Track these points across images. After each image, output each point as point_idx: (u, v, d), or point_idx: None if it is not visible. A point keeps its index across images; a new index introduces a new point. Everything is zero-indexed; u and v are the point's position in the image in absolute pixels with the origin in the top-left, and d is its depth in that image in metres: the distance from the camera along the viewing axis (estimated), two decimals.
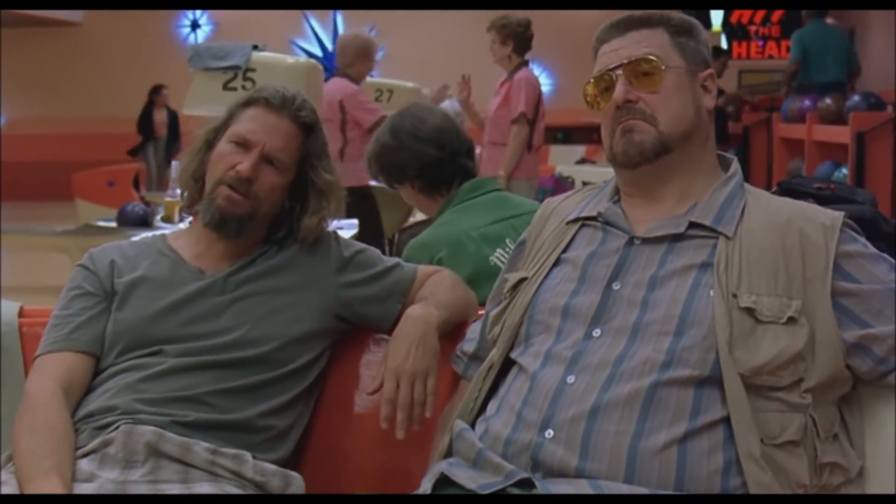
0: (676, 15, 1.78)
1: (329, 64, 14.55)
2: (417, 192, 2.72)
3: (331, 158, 2.07)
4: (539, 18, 14.54)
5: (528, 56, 5.99)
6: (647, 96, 1.70)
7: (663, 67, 1.71)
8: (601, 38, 1.79)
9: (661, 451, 1.48)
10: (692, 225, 1.66)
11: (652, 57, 1.71)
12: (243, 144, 1.97)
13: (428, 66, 13.07)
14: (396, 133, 2.69)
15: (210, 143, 2.01)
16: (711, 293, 1.56)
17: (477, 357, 1.90)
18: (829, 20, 9.04)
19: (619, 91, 1.71)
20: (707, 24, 13.84)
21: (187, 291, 1.94)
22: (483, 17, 14.70)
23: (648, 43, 1.73)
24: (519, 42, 5.91)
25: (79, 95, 14.32)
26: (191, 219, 2.10)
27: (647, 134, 1.69)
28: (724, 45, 13.54)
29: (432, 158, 2.66)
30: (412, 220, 6.81)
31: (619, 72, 1.72)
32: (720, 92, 10.77)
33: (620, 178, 1.78)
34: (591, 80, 1.77)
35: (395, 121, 2.73)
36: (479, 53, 14.75)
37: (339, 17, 14.90)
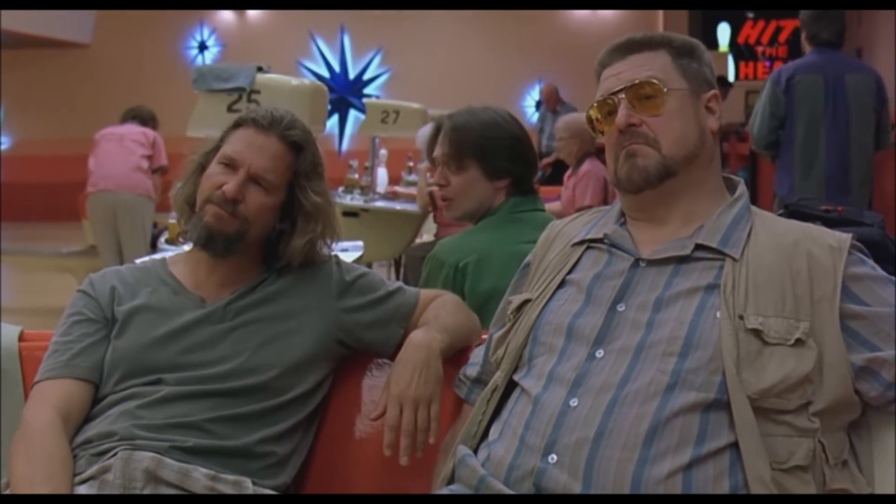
0: (678, 36, 1.78)
1: (336, 84, 14.63)
2: (483, 177, 2.65)
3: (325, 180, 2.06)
4: (547, 40, 14.60)
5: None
6: (649, 119, 1.70)
7: (665, 90, 1.70)
8: (603, 63, 1.79)
9: (665, 480, 1.45)
10: (698, 247, 1.64)
11: (654, 80, 1.70)
12: (230, 165, 1.96)
13: (434, 87, 13.11)
14: (507, 122, 2.67)
15: (203, 167, 2.01)
16: (718, 315, 1.55)
17: (480, 381, 1.89)
18: None
19: (622, 115, 1.70)
20: (714, 44, 13.85)
21: (187, 320, 1.92)
22: (488, 39, 14.74)
23: (650, 66, 1.73)
24: None
25: (87, 117, 14.31)
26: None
27: (651, 158, 1.68)
28: (730, 67, 13.56)
29: (529, 161, 2.68)
30: (419, 240, 6.82)
31: (622, 95, 1.71)
32: None
33: (625, 202, 1.77)
34: (594, 105, 1.76)
35: (491, 112, 2.69)
36: (483, 73, 14.79)
37: (347, 37, 14.95)
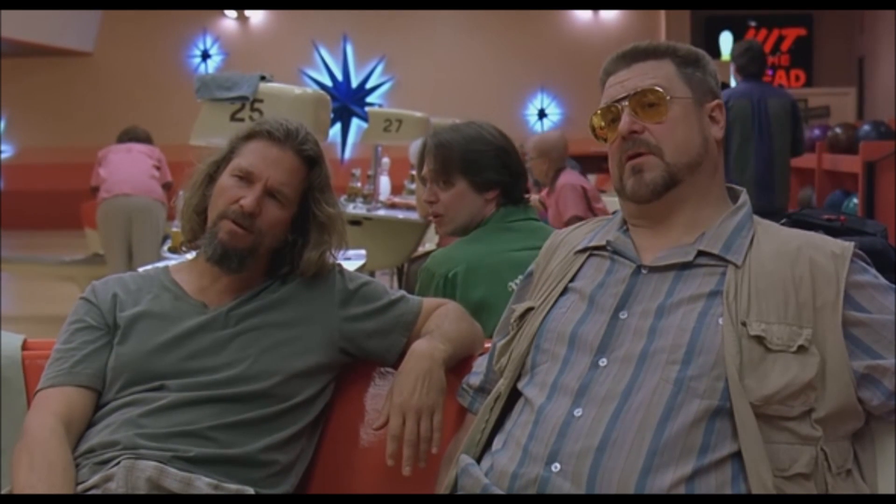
0: (683, 46, 1.79)
1: (339, 93, 14.66)
2: (472, 191, 2.66)
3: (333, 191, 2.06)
4: (549, 48, 14.63)
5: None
6: (652, 127, 1.70)
7: (668, 98, 1.70)
8: (608, 71, 1.79)
9: (668, 490, 1.45)
10: (700, 254, 1.64)
11: (657, 88, 1.71)
12: (246, 178, 1.95)
13: (437, 95, 13.13)
14: (491, 135, 2.68)
15: (212, 177, 2.00)
16: (720, 321, 1.55)
17: (483, 390, 1.88)
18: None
19: (624, 122, 1.70)
20: (717, 53, 13.87)
21: (189, 326, 1.92)
22: (491, 48, 14.74)
23: (654, 74, 1.73)
24: None
25: (89, 125, 14.39)
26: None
27: (656, 170, 1.69)
28: (731, 77, 13.58)
29: (516, 170, 2.69)
30: (422, 249, 6.82)
31: (625, 103, 1.72)
32: None
33: (627, 209, 1.77)
34: (598, 112, 1.77)
35: (475, 126, 2.71)
36: (486, 82, 14.78)
37: (349, 46, 14.98)
